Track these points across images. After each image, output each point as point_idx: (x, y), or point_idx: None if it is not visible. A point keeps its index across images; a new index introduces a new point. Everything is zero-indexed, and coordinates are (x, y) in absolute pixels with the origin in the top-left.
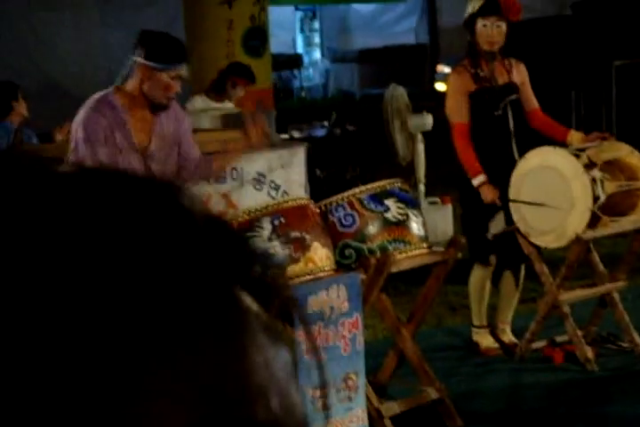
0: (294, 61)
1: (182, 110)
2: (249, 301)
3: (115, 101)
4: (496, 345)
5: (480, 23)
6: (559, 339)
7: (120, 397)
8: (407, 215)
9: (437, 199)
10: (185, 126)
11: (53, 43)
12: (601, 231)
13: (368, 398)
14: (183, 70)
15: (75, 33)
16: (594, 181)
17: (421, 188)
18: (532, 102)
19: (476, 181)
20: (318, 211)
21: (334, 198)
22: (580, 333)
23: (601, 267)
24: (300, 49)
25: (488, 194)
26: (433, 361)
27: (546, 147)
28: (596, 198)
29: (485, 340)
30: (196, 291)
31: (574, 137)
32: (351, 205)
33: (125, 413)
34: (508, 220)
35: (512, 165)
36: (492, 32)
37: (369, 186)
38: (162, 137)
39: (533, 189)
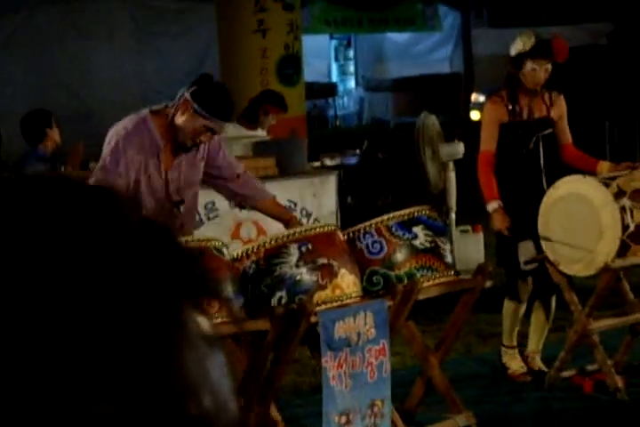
0: (329, 90)
1: (217, 140)
2: (189, 312)
3: (150, 126)
4: (524, 369)
5: (529, 64)
6: (589, 368)
7: (61, 395)
8: (435, 243)
9: (469, 227)
10: (215, 146)
11: (88, 70)
12: (630, 260)
13: (395, 425)
14: (220, 127)
15: (109, 60)
16: (623, 209)
17: (453, 216)
18: (566, 136)
19: (490, 207)
20: (346, 238)
21: (362, 225)
22: (610, 362)
23: (631, 296)
24: (334, 77)
25: (498, 221)
26: (461, 389)
27: (575, 175)
28: (625, 227)
29: (514, 362)
30: (137, 304)
31: (604, 167)
32: (379, 232)
33: (67, 408)
34: (538, 249)
35: (542, 198)
36: (540, 74)
37: (397, 213)
38: (186, 158)
39: (562, 218)
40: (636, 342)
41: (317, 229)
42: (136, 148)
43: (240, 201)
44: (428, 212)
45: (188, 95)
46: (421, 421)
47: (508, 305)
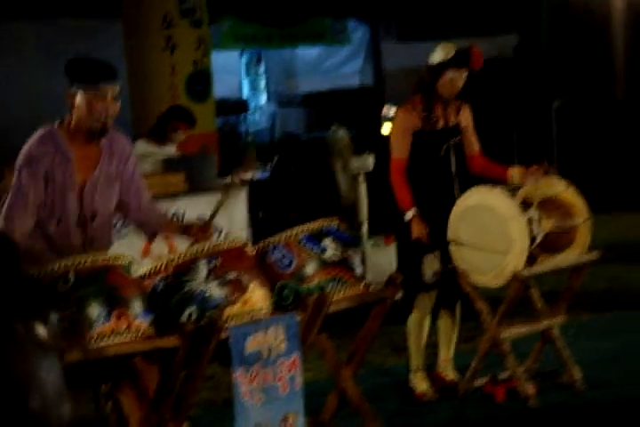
0: (240, 106)
1: (131, 153)
2: (21, 323)
3: (59, 137)
4: (430, 390)
5: (449, 73)
6: (501, 376)
7: None
8: (344, 255)
9: (381, 240)
10: (129, 168)
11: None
12: (538, 269)
13: None
14: (109, 89)
15: (19, 80)
16: (530, 221)
17: (364, 228)
18: (474, 147)
19: (408, 215)
20: (256, 252)
21: (272, 239)
22: (521, 369)
23: (540, 303)
24: (246, 93)
25: (417, 229)
26: (377, 401)
27: (483, 186)
28: (533, 238)
29: (421, 385)
30: None
31: (515, 173)
32: (288, 245)
33: None
34: (444, 259)
35: (453, 206)
36: (457, 83)
37: (305, 226)
38: (104, 175)
39: (471, 228)
40: (546, 348)
41: (226, 244)
42: (45, 160)
43: (143, 230)
44: (336, 224)
45: (67, 89)
46: None
47: (411, 319)
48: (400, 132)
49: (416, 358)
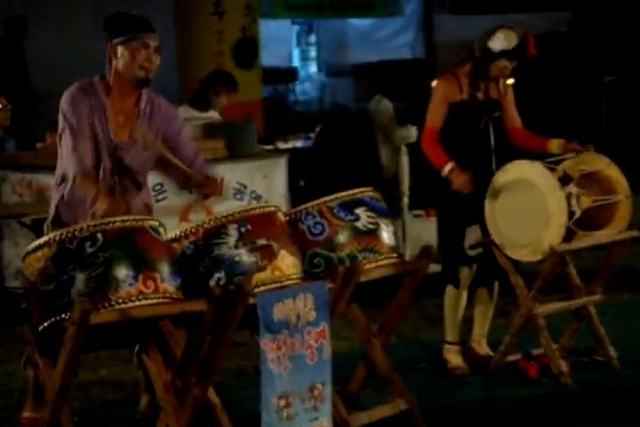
0: (290, 75)
1: (175, 112)
2: None
3: (97, 87)
4: (464, 364)
5: (504, 61)
6: (534, 352)
7: None
8: (377, 224)
9: (422, 212)
10: (175, 128)
11: (50, 55)
12: (576, 244)
13: (335, 409)
14: (149, 39)
15: (65, 45)
16: (569, 196)
17: (405, 200)
18: (515, 120)
19: (445, 170)
20: (287, 219)
21: (304, 206)
22: (555, 346)
23: (577, 280)
24: (296, 62)
25: (458, 179)
26: (408, 373)
27: (522, 160)
28: (571, 213)
29: (454, 358)
30: None
31: (554, 144)
32: (321, 213)
33: None
34: (484, 233)
35: (490, 179)
36: (508, 70)
37: (339, 195)
38: (141, 133)
39: (509, 202)
40: (581, 326)
41: (257, 210)
42: (85, 103)
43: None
44: (370, 193)
45: (107, 43)
46: (364, 404)
47: (449, 292)
48: (437, 102)
49: (451, 332)
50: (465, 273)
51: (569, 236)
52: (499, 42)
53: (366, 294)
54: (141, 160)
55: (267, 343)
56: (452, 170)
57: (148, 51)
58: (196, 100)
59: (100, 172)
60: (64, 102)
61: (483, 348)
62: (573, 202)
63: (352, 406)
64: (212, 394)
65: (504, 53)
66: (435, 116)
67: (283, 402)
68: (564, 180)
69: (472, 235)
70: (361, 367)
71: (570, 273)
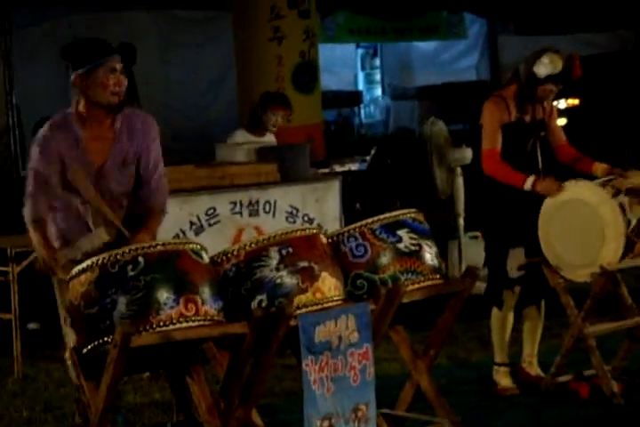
0: (355, 98)
1: (153, 127)
2: None
3: (71, 120)
4: (513, 385)
5: (550, 86)
6: (586, 373)
7: None
8: (420, 246)
9: (477, 233)
10: (149, 159)
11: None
12: (627, 263)
13: None
14: (114, 62)
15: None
16: (621, 205)
17: (461, 222)
18: (561, 138)
19: (528, 183)
20: (330, 241)
21: (346, 229)
22: (607, 367)
23: (629, 300)
24: (361, 86)
25: (545, 186)
26: (457, 395)
27: (574, 180)
28: (627, 222)
29: (503, 379)
30: None
31: (599, 168)
32: (363, 235)
33: None
34: (530, 254)
35: (537, 203)
36: (553, 93)
37: (381, 216)
38: (120, 155)
39: (563, 224)
40: (634, 346)
41: (298, 233)
42: (56, 146)
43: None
44: (412, 215)
45: (71, 74)
46: (410, 426)
47: (494, 313)
48: (490, 124)
49: (499, 353)
50: (508, 295)
51: (630, 246)
52: (544, 67)
53: (415, 315)
54: (124, 181)
55: (309, 365)
56: (535, 181)
57: (116, 75)
58: (251, 124)
59: (80, 207)
60: (34, 145)
61: (534, 368)
62: (627, 210)
63: None
64: (256, 416)
65: (550, 78)
66: (492, 138)
67: (326, 423)
68: (614, 193)
69: (515, 257)
70: (406, 389)
71: (621, 293)
